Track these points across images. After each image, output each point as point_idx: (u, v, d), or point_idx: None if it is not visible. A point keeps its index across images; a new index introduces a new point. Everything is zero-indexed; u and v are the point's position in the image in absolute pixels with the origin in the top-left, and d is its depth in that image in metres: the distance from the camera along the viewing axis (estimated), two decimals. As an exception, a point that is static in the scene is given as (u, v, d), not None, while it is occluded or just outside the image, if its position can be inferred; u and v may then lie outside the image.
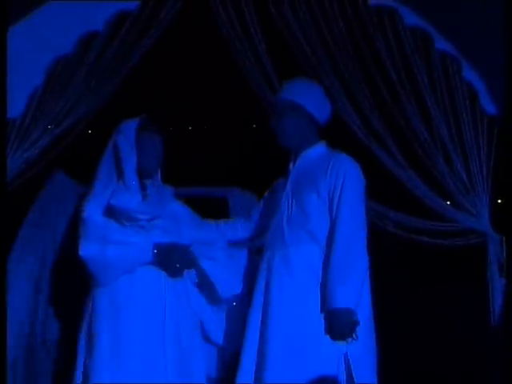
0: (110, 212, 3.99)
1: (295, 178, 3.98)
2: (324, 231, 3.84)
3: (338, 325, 3.72)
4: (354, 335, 3.72)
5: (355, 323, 3.73)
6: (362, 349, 3.76)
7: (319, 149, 4.01)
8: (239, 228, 4.27)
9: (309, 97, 3.97)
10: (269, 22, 4.86)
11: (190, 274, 4.12)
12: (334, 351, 3.73)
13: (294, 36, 4.89)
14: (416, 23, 4.77)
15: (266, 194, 4.26)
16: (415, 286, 5.25)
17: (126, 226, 4.00)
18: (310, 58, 4.89)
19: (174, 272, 4.02)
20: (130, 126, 4.06)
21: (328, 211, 3.85)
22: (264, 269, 3.91)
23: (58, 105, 4.75)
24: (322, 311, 3.77)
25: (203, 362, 4.08)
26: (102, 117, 4.77)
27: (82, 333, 4.01)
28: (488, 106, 4.80)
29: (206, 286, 4.13)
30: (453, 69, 4.83)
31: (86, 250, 3.95)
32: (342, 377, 3.71)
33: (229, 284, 4.10)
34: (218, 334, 4.17)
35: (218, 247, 4.17)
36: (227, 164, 5.23)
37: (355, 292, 3.73)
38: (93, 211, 3.99)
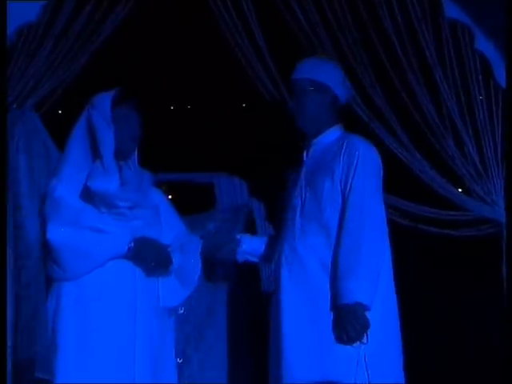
0: (86, 196, 3.66)
1: (309, 166, 3.76)
2: (336, 222, 3.61)
3: (344, 323, 3.45)
4: (363, 338, 3.41)
5: (365, 323, 3.43)
6: (382, 351, 3.50)
7: (334, 133, 3.79)
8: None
9: (332, 75, 3.79)
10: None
11: None
12: (351, 352, 3.47)
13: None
14: (423, -14, 4.55)
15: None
16: (422, 281, 4.94)
17: (103, 213, 3.67)
18: (304, 26, 4.61)
19: (147, 271, 3.72)
20: (104, 100, 3.71)
21: (341, 199, 3.63)
22: (276, 264, 3.72)
23: (21, 80, 4.43)
24: (329, 309, 3.53)
25: (176, 364, 3.84)
26: (72, 95, 4.45)
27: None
28: (503, 80, 4.51)
29: None
30: (464, 39, 4.57)
31: (56, 234, 3.58)
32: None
33: (173, 294, 3.82)
34: None
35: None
36: (213, 147, 4.87)
37: (365, 286, 3.45)
38: (65, 191, 3.65)
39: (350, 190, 3.57)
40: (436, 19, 4.55)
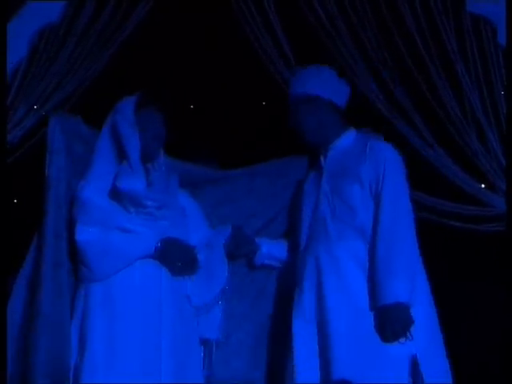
0: (114, 196, 3.70)
1: (330, 171, 3.74)
2: (371, 225, 3.63)
3: (389, 323, 3.49)
4: (408, 334, 3.47)
5: (409, 320, 3.48)
6: (432, 350, 3.54)
7: (350, 136, 3.78)
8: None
9: (322, 83, 3.74)
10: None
11: None
12: (400, 353, 3.50)
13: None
14: (444, -19, 4.53)
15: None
16: (445, 275, 4.80)
17: (131, 213, 3.70)
18: (327, 27, 4.61)
19: (173, 271, 3.73)
20: (127, 104, 3.76)
21: (372, 202, 3.63)
22: (312, 269, 3.69)
23: (43, 81, 4.44)
24: (371, 310, 3.56)
25: (200, 364, 3.84)
26: (93, 95, 4.49)
27: (72, 334, 3.70)
28: (526, 74, 4.47)
29: None
30: (487, 34, 4.54)
31: (84, 234, 3.63)
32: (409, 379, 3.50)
33: (202, 292, 3.84)
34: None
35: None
36: (234, 145, 4.84)
37: (405, 285, 3.49)
38: (93, 192, 3.68)
39: (381, 192, 3.58)
40: (458, 13, 4.53)
